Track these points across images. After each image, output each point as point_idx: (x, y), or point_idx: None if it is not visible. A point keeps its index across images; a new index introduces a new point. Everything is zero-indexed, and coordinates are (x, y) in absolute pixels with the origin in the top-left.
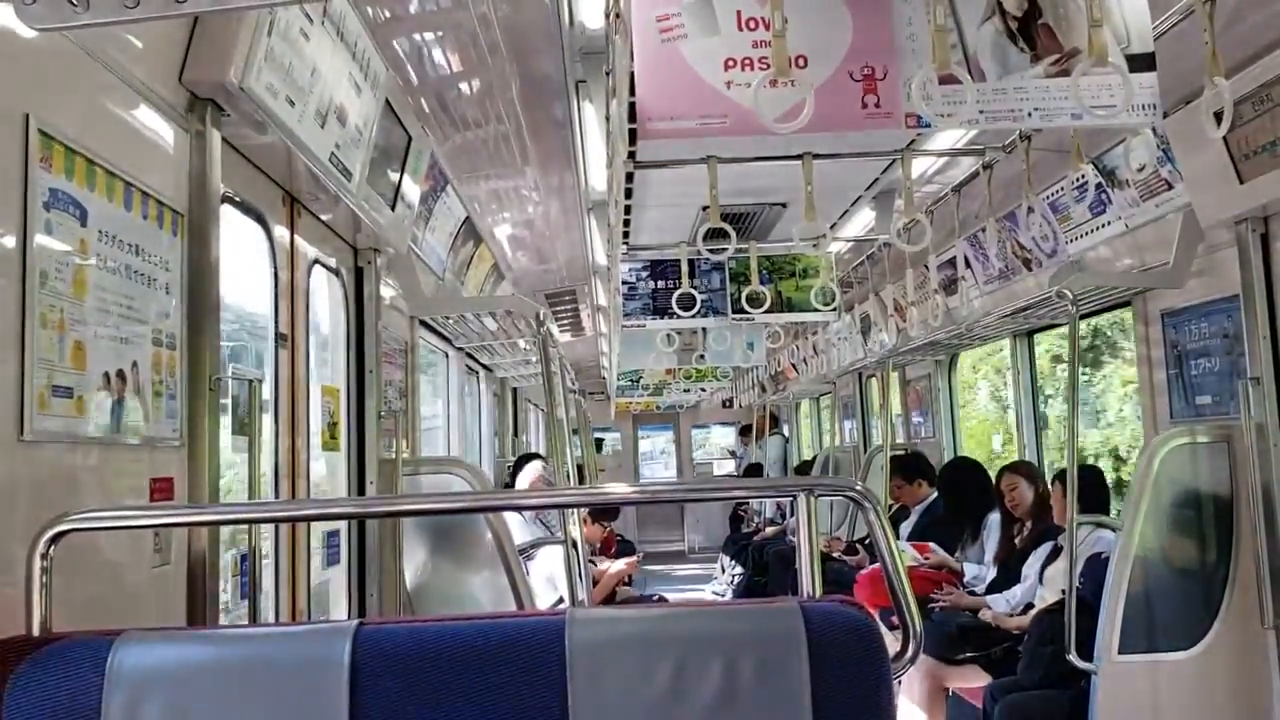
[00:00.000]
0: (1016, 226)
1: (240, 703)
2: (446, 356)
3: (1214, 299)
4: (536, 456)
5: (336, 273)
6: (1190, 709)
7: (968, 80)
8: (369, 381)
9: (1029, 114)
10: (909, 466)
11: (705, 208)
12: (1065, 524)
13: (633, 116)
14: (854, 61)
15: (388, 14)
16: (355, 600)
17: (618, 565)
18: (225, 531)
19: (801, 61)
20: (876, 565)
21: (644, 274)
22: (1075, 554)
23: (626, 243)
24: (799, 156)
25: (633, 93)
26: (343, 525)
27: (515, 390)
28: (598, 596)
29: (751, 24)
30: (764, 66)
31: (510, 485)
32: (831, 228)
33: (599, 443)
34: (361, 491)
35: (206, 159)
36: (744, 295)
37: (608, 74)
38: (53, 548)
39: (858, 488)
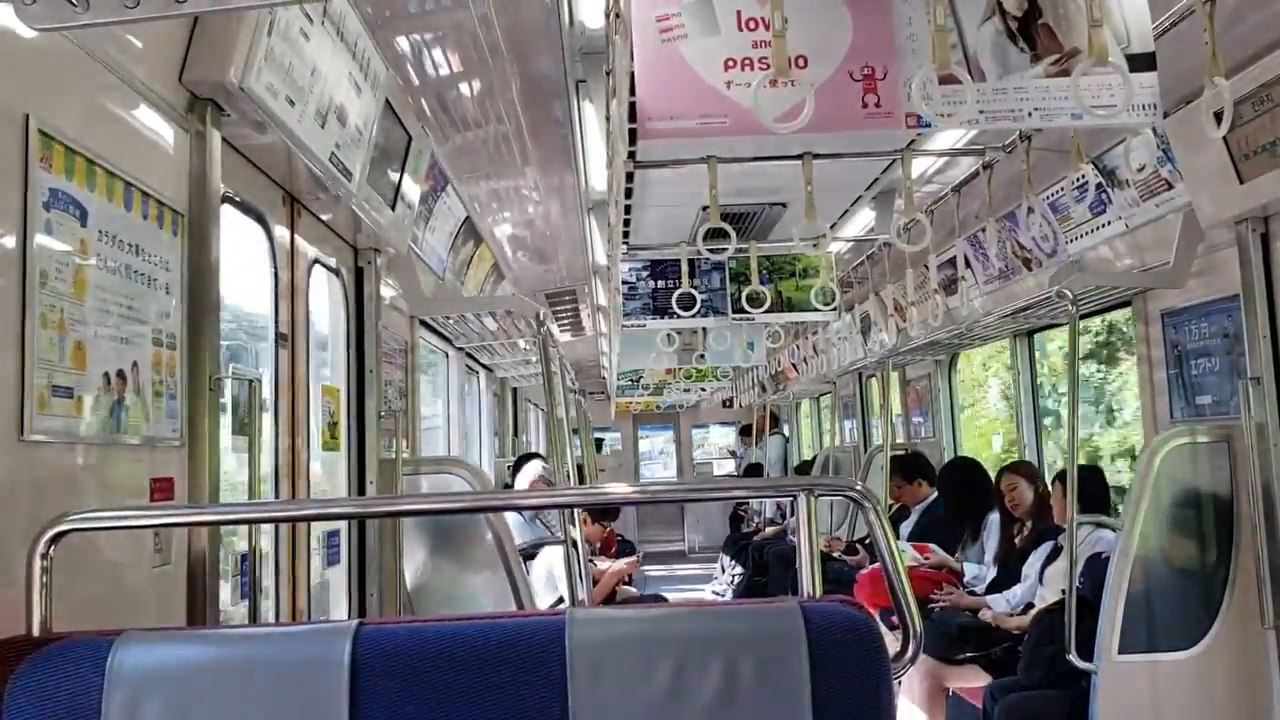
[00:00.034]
0: (1016, 226)
1: (240, 703)
2: (446, 356)
3: (1214, 299)
4: (536, 456)
5: (337, 273)
6: (1190, 709)
7: (968, 80)
8: (369, 381)
9: (1029, 114)
10: (909, 466)
11: (705, 207)
12: (1065, 524)
13: (633, 116)
14: (854, 61)
15: (388, 14)
16: (355, 600)
17: (618, 565)
18: (225, 531)
19: (801, 61)
20: (876, 565)
21: (644, 274)
22: (1075, 554)
23: (626, 242)
24: (799, 156)
25: (633, 92)
26: (343, 525)
27: (515, 390)
28: (598, 596)
29: (751, 24)
30: (764, 66)
31: (510, 485)
32: (831, 228)
33: (599, 442)
34: (361, 491)
35: (206, 159)
36: (744, 295)
37: (608, 74)
38: (53, 548)
39: (858, 487)
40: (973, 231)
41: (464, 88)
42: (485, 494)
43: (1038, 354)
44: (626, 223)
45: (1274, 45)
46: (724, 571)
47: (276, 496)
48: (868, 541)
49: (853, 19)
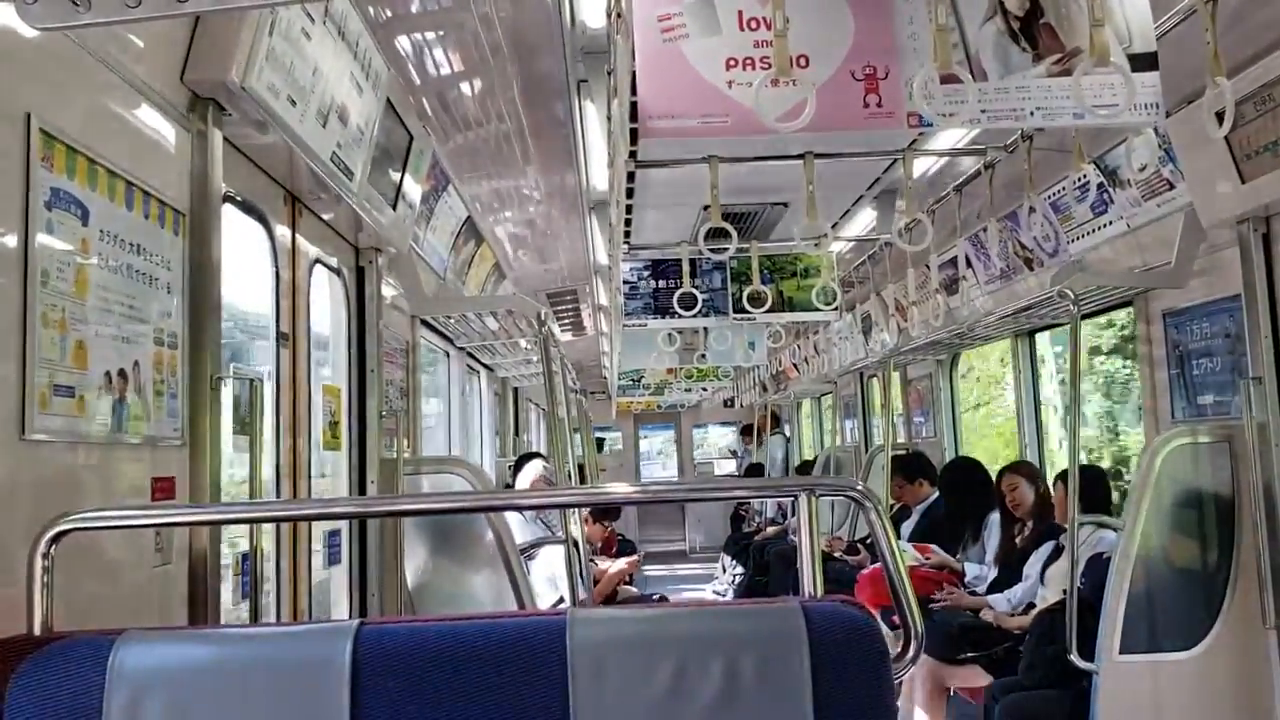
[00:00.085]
0: (1018, 226)
1: (242, 702)
2: (447, 356)
3: (1216, 299)
4: (537, 456)
5: (338, 272)
6: (1191, 709)
7: (969, 80)
8: (370, 381)
9: (1031, 113)
10: (910, 466)
11: (706, 207)
12: (1067, 523)
13: (634, 116)
14: (855, 61)
15: (389, 13)
16: (356, 600)
17: (618, 565)
18: (226, 531)
19: (803, 61)
20: (877, 565)
21: (645, 273)
22: (1077, 554)
23: (628, 242)
24: (800, 156)
25: (634, 92)
26: (344, 525)
27: (516, 390)
28: (598, 596)
29: (753, 23)
30: (765, 66)
31: (511, 485)
32: (833, 227)
33: (600, 442)
34: (363, 491)
35: (208, 158)
36: (745, 295)
37: (609, 73)
38: (54, 547)
39: (859, 487)
40: (974, 231)
41: (465, 87)
42: (486, 494)
43: (1059, 349)
44: (628, 222)
45: (1275, 45)
46: (725, 571)
47: (277, 496)
48: (868, 541)
49: (854, 19)
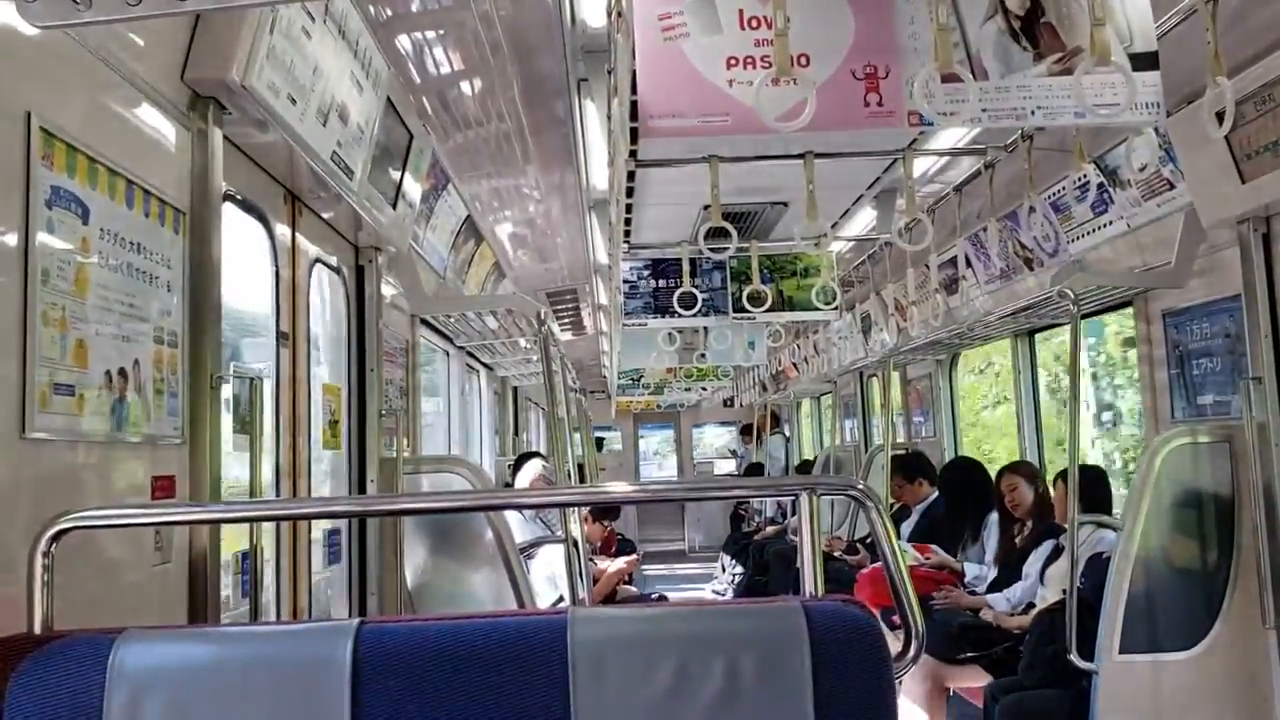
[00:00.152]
0: (1018, 226)
1: (242, 701)
2: (447, 355)
3: (1216, 299)
4: (537, 455)
5: (338, 271)
6: (1191, 709)
7: (970, 79)
8: (370, 380)
9: (1032, 113)
10: (910, 466)
11: (706, 206)
12: (1067, 523)
13: (634, 115)
14: (856, 60)
15: (389, 12)
16: (356, 599)
17: (617, 564)
18: (226, 530)
19: (803, 60)
20: (877, 565)
21: (645, 273)
22: (1076, 554)
23: (628, 241)
24: (800, 155)
25: (634, 91)
26: (343, 524)
27: (516, 389)
28: (598, 595)
29: (754, 22)
30: (766, 65)
31: (511, 484)
32: (833, 227)
33: (599, 441)
34: (362, 490)
35: (208, 157)
36: (745, 294)
37: (609, 72)
38: (54, 546)
39: (860, 486)
40: (974, 231)
41: (465, 86)
42: (486, 493)
43: (1093, 340)
44: (628, 221)
45: (1276, 45)
46: (724, 571)
47: (277, 495)
48: (868, 541)
49: (855, 18)
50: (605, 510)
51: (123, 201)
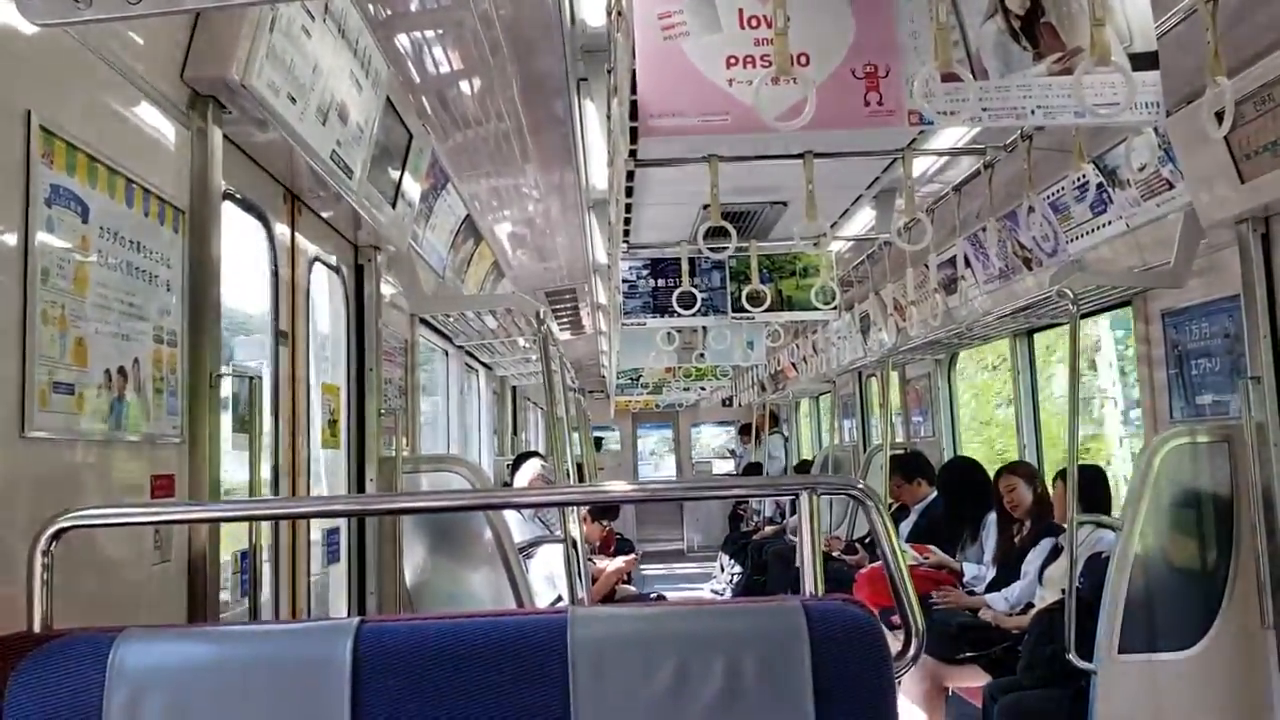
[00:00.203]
0: (1017, 226)
1: (242, 700)
2: (446, 354)
3: (1215, 299)
4: (535, 454)
5: (337, 270)
6: (1190, 709)
7: (970, 78)
8: (369, 379)
9: (1031, 112)
10: (908, 466)
11: (706, 206)
12: (1066, 522)
13: (634, 114)
14: (856, 59)
15: (389, 11)
16: (355, 598)
17: (616, 563)
18: (225, 529)
19: (803, 59)
20: (876, 564)
21: (644, 272)
22: (1075, 553)
23: (627, 241)
24: (800, 155)
25: (634, 90)
26: (343, 523)
27: (515, 388)
28: (597, 595)
29: (753, 21)
30: (766, 64)
31: (509, 483)
32: (832, 226)
33: (598, 441)
34: (361, 489)
35: (208, 156)
36: (744, 294)
37: (609, 72)
38: (54, 545)
39: (860, 486)
40: (973, 231)
41: (465, 85)
42: (485, 492)
43: (1121, 334)
44: (627, 221)
45: (1276, 45)
46: (723, 570)
47: (276, 494)
48: (867, 541)
49: (855, 17)
50: (604, 510)
51: (122, 200)
